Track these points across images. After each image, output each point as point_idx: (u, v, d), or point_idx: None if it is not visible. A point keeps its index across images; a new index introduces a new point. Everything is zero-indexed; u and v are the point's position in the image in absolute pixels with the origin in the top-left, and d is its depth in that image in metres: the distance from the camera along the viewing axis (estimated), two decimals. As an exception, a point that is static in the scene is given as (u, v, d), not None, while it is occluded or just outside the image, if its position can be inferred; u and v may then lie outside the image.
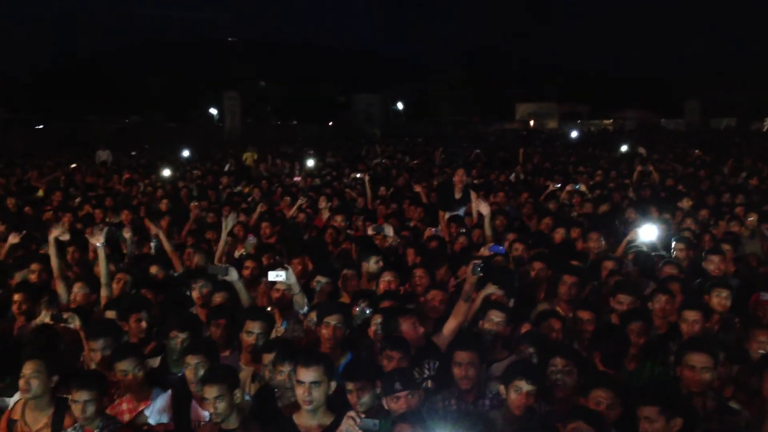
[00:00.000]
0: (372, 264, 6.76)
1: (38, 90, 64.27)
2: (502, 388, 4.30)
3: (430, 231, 8.63)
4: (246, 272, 6.74)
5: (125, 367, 4.57)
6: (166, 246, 7.76)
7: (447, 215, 9.90)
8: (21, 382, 4.36)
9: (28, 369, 4.37)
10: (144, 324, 5.52)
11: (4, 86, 57.39)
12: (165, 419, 4.55)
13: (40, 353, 4.52)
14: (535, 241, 7.99)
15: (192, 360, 4.49)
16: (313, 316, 5.41)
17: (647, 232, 7.88)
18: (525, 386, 4.16)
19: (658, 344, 5.34)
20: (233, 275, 5.84)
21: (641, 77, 76.35)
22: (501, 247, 7.01)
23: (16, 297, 6.11)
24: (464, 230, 8.79)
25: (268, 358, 4.70)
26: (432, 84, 80.00)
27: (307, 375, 4.00)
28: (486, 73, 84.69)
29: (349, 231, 9.57)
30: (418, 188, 12.23)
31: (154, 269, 7.03)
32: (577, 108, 70.57)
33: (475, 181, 14.46)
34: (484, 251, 6.90)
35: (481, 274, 5.21)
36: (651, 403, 3.73)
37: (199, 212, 10.84)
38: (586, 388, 4.13)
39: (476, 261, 5.24)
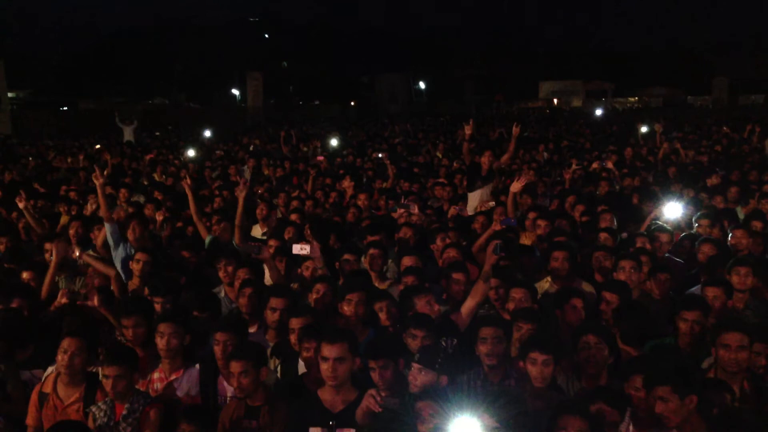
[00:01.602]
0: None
1: (63, 71, 64.75)
2: (521, 363, 4.33)
3: (454, 209, 8.62)
4: (271, 251, 6.79)
5: (164, 329, 4.64)
6: (193, 210, 7.93)
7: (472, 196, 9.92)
8: (63, 357, 4.44)
9: (71, 345, 4.45)
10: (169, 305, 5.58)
11: (30, 67, 57.85)
12: (193, 393, 4.65)
13: (82, 330, 4.62)
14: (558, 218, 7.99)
15: (221, 337, 4.59)
16: (321, 287, 5.46)
17: (672, 210, 7.81)
18: (540, 356, 4.19)
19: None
20: (265, 253, 5.90)
21: (669, 54, 75.08)
22: (512, 220, 7.02)
23: (25, 275, 6.21)
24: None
25: (296, 322, 4.76)
26: (455, 63, 79.38)
27: (331, 351, 4.05)
28: (509, 52, 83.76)
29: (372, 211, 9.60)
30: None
31: (186, 253, 7.10)
32: (603, 86, 69.61)
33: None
34: (496, 225, 6.91)
35: (502, 254, 5.21)
36: (664, 383, 3.74)
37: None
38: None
39: (497, 241, 5.23)
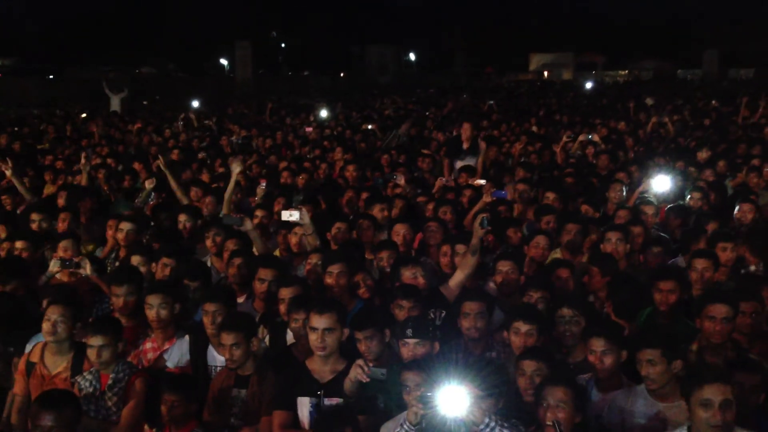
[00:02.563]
0: (377, 212, 6.78)
1: (50, 39, 63.85)
2: (505, 334, 4.37)
3: (441, 181, 8.61)
4: (255, 221, 6.67)
5: (152, 301, 4.66)
6: (171, 181, 7.98)
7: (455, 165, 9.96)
8: (47, 326, 4.43)
9: (54, 313, 4.44)
10: (169, 270, 5.57)
11: (16, 35, 57.04)
12: (183, 363, 4.67)
13: (66, 298, 4.61)
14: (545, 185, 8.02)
15: (210, 307, 4.59)
16: (314, 257, 5.47)
17: (660, 183, 7.83)
18: (523, 326, 4.24)
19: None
20: (247, 225, 5.89)
21: (659, 27, 74.81)
22: (503, 192, 7.03)
23: (18, 245, 6.14)
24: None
25: (285, 292, 4.77)
26: (445, 34, 78.86)
27: (320, 322, 4.06)
28: (500, 23, 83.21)
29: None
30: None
31: (182, 217, 7.01)
32: (594, 58, 69.39)
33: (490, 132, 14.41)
34: (487, 197, 6.92)
35: (489, 228, 5.22)
36: (652, 346, 3.83)
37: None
38: (585, 335, 4.21)
39: (483, 214, 5.24)
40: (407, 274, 5.14)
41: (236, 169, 7.50)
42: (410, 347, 4.11)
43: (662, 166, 9.50)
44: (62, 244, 6.04)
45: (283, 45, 71.59)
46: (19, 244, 6.13)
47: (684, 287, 5.00)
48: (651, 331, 4.25)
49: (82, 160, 8.98)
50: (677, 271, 5.27)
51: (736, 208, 6.90)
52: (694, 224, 6.79)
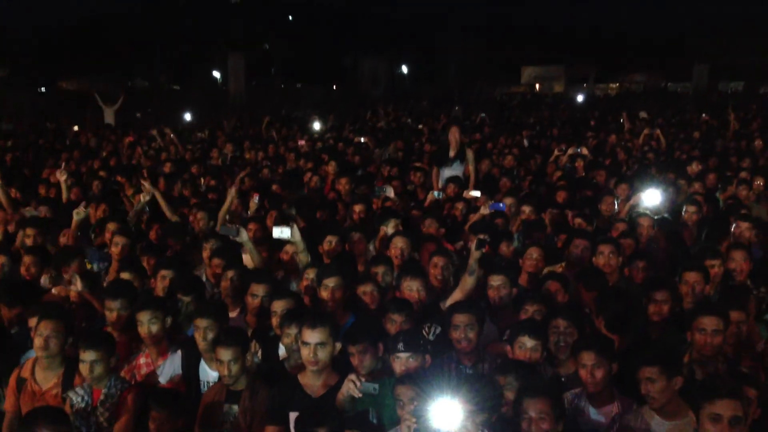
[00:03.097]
0: (390, 228, 6.75)
1: (42, 50, 63.73)
2: (508, 348, 4.37)
3: (432, 195, 8.62)
4: (249, 234, 6.71)
5: (142, 317, 4.64)
6: (159, 198, 7.87)
7: (442, 173, 9.98)
8: (39, 341, 4.40)
9: (46, 328, 4.40)
10: (168, 281, 5.55)
11: (7, 47, 56.92)
12: (175, 378, 4.65)
13: (58, 313, 4.58)
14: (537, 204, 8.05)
15: (201, 323, 4.55)
16: (311, 272, 5.46)
17: (651, 197, 7.88)
18: (529, 342, 4.25)
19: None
20: (243, 236, 5.89)
21: (650, 40, 75.43)
22: (501, 204, 7.03)
23: (27, 260, 6.07)
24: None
25: (278, 305, 4.76)
26: (438, 47, 79.21)
27: (312, 336, 4.06)
28: (492, 36, 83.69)
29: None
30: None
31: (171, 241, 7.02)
32: (585, 71, 69.80)
33: (483, 145, 14.46)
34: (484, 210, 6.93)
35: (485, 250, 5.20)
36: (652, 364, 3.82)
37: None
38: (575, 349, 4.20)
39: (480, 236, 5.22)
40: (407, 285, 5.15)
41: (231, 193, 7.53)
42: (402, 361, 4.10)
43: (653, 179, 9.54)
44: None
45: (275, 57, 71.73)
46: (27, 259, 6.03)
47: (676, 299, 5.02)
48: (648, 349, 4.25)
49: (60, 175, 8.87)
50: (670, 282, 5.29)
51: (734, 225, 6.94)
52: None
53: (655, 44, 73.96)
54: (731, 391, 3.40)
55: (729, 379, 3.96)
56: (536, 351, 4.28)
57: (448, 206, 8.21)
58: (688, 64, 57.55)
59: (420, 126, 21.27)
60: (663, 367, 3.81)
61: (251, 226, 6.97)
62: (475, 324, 4.54)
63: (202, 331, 4.53)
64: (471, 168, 10.16)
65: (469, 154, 10.31)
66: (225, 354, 4.18)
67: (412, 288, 5.19)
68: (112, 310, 4.88)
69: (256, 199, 8.35)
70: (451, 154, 10.36)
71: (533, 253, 6.03)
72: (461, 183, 9.48)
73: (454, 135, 10.39)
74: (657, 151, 13.64)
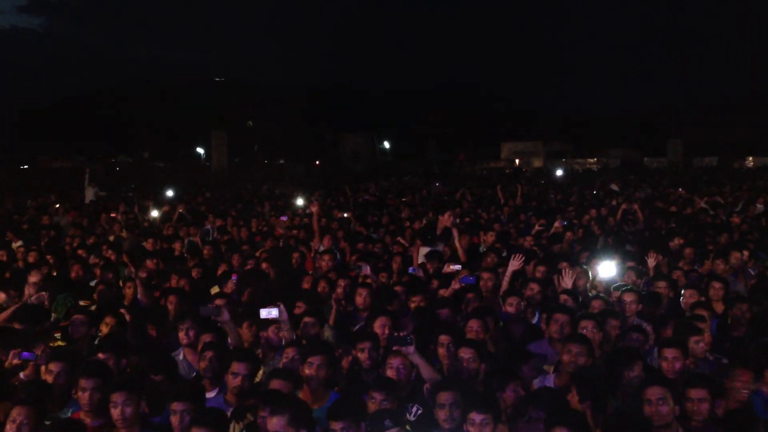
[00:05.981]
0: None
1: (24, 129, 64.16)
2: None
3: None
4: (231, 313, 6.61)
5: (116, 399, 4.45)
6: (138, 284, 7.85)
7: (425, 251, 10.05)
8: (11, 427, 4.27)
9: (20, 415, 4.29)
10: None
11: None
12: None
13: (31, 399, 4.46)
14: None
15: (178, 407, 4.44)
16: (290, 351, 5.44)
17: (606, 269, 7.96)
18: (477, 416, 4.18)
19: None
20: (225, 315, 5.85)
21: (625, 116, 77.57)
22: (471, 278, 7.06)
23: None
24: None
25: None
26: (418, 124, 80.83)
27: (272, 424, 4.01)
28: (472, 113, 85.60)
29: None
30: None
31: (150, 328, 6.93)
32: (563, 146, 71.28)
33: (462, 220, 14.55)
34: (456, 284, 6.94)
35: (411, 344, 5.05)
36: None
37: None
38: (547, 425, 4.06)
39: (403, 333, 5.17)
40: (389, 362, 5.12)
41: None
42: None
43: (607, 252, 9.60)
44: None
45: (258, 134, 72.71)
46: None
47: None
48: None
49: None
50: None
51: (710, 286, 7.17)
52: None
53: (629, 120, 76.08)
54: None
55: None
56: (486, 425, 4.18)
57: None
58: (663, 139, 59.07)
59: (403, 200, 21.50)
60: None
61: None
62: (461, 401, 4.49)
63: (179, 414, 4.42)
64: (458, 244, 10.22)
65: (455, 232, 10.39)
66: None
67: (392, 366, 5.15)
68: (86, 389, 4.64)
69: (234, 279, 8.36)
70: (438, 232, 10.48)
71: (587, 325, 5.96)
72: (441, 258, 9.54)
73: (447, 220, 10.49)
74: (635, 225, 13.82)
